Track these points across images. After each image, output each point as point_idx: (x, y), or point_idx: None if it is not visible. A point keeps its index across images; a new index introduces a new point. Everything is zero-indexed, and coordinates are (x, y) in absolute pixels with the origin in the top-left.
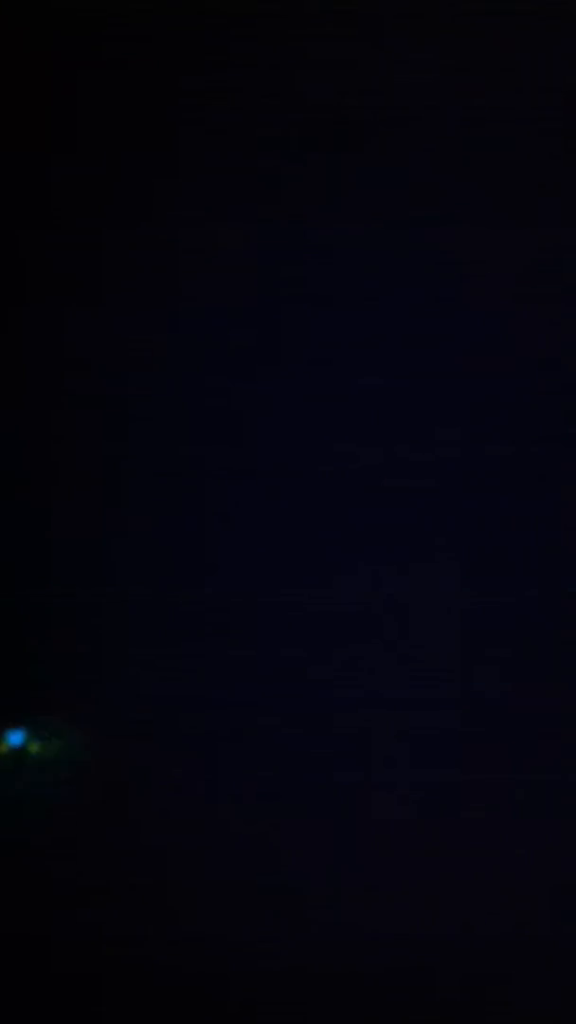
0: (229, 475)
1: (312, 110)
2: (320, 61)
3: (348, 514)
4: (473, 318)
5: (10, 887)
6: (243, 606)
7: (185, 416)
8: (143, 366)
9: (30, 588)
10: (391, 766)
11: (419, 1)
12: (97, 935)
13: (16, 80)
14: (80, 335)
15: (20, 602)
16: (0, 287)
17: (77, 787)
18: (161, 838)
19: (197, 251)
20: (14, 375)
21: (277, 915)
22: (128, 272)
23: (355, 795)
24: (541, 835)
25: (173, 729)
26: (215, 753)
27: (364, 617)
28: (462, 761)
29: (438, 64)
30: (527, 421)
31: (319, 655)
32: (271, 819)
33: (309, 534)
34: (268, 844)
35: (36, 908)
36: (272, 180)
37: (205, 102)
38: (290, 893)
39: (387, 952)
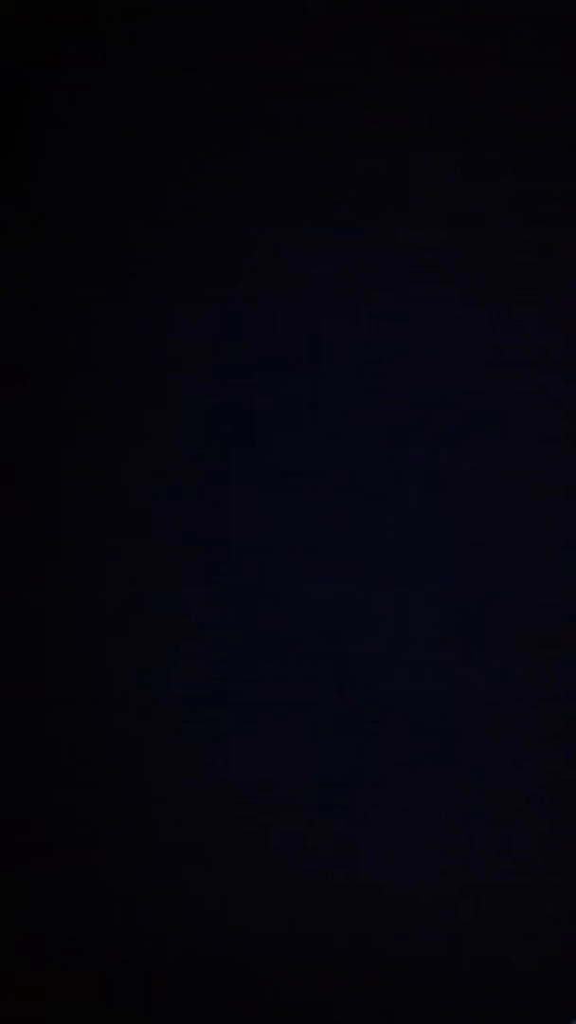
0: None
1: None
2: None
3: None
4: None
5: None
6: (246, 606)
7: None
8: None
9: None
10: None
11: None
12: (96, 932)
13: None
14: (81, 335)
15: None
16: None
17: None
18: (170, 835)
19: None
20: (16, 376)
21: (280, 911)
22: (133, 272)
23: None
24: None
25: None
26: (222, 747)
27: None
28: (460, 757)
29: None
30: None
31: (328, 649)
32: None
33: (315, 535)
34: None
35: (37, 907)
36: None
37: (201, 99)
38: (289, 889)
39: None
